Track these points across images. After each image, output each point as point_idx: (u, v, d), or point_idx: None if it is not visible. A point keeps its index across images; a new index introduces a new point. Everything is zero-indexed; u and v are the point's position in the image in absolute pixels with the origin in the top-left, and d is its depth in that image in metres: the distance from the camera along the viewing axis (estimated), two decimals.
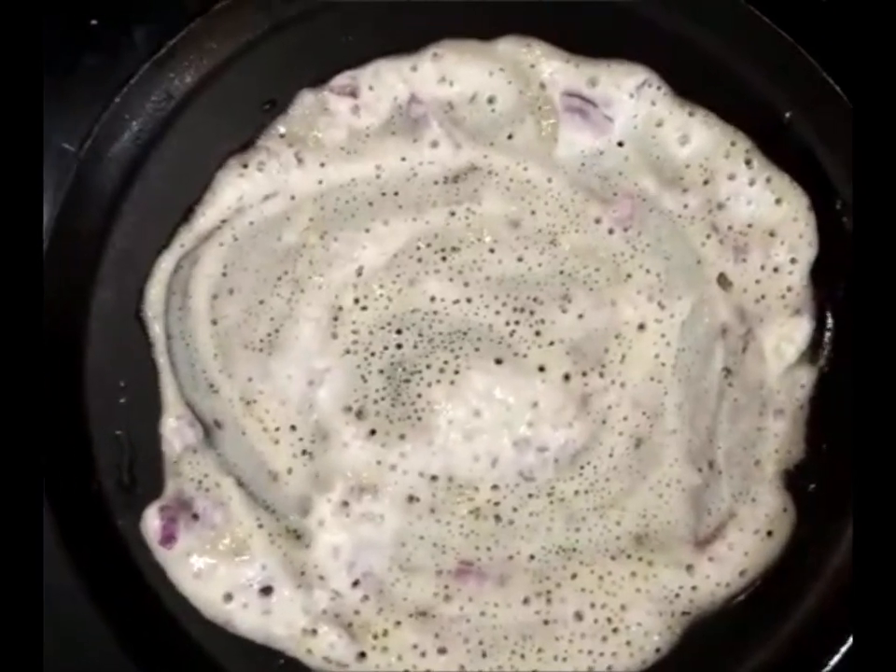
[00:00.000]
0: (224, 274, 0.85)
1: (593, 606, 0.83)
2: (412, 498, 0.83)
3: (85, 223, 0.83)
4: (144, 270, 0.84)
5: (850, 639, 0.80)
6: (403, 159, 0.85)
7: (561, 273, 0.85)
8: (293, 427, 0.84)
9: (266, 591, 0.82)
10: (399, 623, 0.82)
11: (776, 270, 0.85)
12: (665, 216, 0.85)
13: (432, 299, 0.84)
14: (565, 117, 0.85)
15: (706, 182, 0.85)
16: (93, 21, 0.87)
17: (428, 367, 0.84)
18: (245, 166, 0.85)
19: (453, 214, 0.85)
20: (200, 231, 0.85)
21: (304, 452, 0.83)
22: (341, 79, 0.85)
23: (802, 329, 0.84)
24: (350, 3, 0.85)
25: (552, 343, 0.84)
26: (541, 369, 0.83)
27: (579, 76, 0.85)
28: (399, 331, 0.84)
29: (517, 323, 0.84)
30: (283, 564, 0.82)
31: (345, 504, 0.82)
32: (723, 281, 0.85)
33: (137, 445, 0.84)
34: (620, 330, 0.84)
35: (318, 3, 0.85)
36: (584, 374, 0.84)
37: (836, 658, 0.80)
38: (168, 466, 0.84)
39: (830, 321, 0.85)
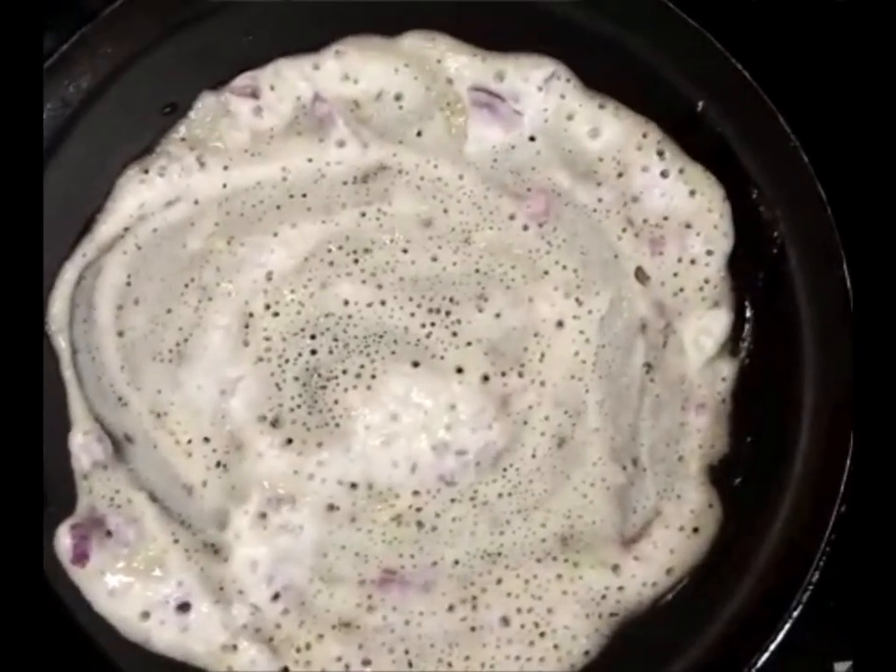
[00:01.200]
0: (128, 284, 0.83)
1: (519, 610, 0.82)
2: (331, 507, 0.81)
3: None
4: (46, 282, 0.82)
5: (779, 637, 0.80)
6: (310, 160, 0.83)
7: (476, 271, 0.83)
8: (206, 439, 0.82)
9: (183, 607, 0.80)
10: (321, 635, 0.81)
11: (692, 262, 0.84)
12: (579, 210, 0.84)
13: (346, 302, 0.83)
14: (473, 112, 0.84)
15: (619, 175, 0.84)
16: None
17: (344, 372, 0.82)
18: (146, 172, 0.83)
19: (363, 215, 0.83)
20: (102, 241, 0.82)
21: (219, 464, 0.82)
22: (241, 80, 0.83)
23: (720, 322, 0.83)
24: (249, 3, 0.83)
25: (469, 344, 0.82)
26: (459, 370, 0.82)
27: (486, 70, 0.84)
28: (312, 336, 0.82)
29: (433, 324, 0.83)
30: (200, 579, 0.81)
31: (263, 516, 0.81)
32: (641, 275, 0.84)
33: (47, 462, 0.81)
34: (538, 328, 0.83)
35: (216, 3, 0.83)
36: (503, 374, 0.82)
37: (766, 656, 0.80)
38: (79, 482, 0.82)
39: (749, 313, 0.84)
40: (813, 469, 0.82)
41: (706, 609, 0.82)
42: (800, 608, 0.80)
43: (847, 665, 0.84)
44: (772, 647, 0.80)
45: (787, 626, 0.80)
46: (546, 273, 0.83)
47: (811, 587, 0.80)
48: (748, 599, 0.82)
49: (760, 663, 0.80)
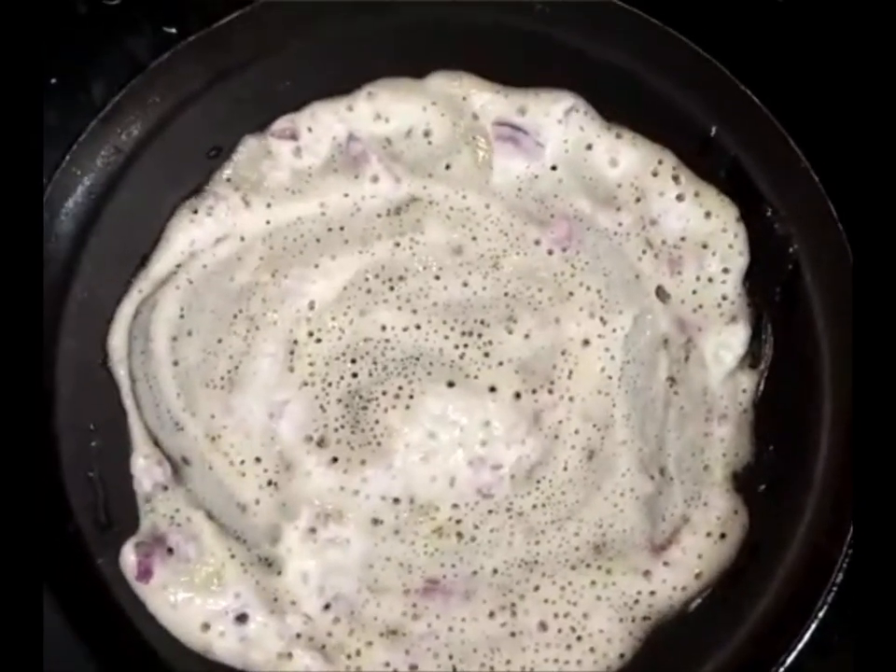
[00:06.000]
0: (182, 317, 0.88)
1: (556, 616, 0.84)
2: (376, 521, 0.85)
3: (45, 277, 0.85)
4: (105, 317, 0.87)
5: (806, 636, 0.82)
6: (346, 195, 0.88)
7: (505, 295, 0.87)
8: (258, 459, 0.86)
9: (241, 618, 0.84)
10: (370, 642, 0.84)
11: (710, 280, 0.87)
12: (601, 234, 0.88)
13: (383, 327, 0.87)
14: (498, 145, 0.88)
15: (637, 200, 0.88)
16: (52, 80, 0.91)
17: (384, 393, 0.86)
18: (195, 212, 0.88)
19: (397, 244, 0.88)
20: (156, 277, 0.88)
21: (270, 482, 0.86)
22: (281, 123, 0.88)
23: (738, 336, 0.86)
24: (284, 51, 0.88)
25: (500, 364, 0.86)
26: (492, 389, 0.86)
27: (508, 105, 0.88)
28: (353, 361, 0.87)
29: (466, 346, 0.87)
30: (256, 591, 0.84)
31: (312, 531, 0.85)
32: (661, 293, 0.87)
33: (110, 485, 0.86)
34: (565, 347, 0.87)
35: (254, 53, 0.88)
36: (534, 392, 0.86)
37: (793, 656, 0.81)
38: (141, 503, 0.86)
39: (767, 326, 0.87)
40: (833, 474, 0.84)
41: (734, 611, 0.84)
42: (825, 609, 0.82)
43: None
44: (799, 647, 0.81)
45: (812, 627, 0.81)
46: (571, 294, 0.87)
47: (835, 588, 0.82)
48: (774, 601, 0.84)
49: (787, 663, 0.81)
